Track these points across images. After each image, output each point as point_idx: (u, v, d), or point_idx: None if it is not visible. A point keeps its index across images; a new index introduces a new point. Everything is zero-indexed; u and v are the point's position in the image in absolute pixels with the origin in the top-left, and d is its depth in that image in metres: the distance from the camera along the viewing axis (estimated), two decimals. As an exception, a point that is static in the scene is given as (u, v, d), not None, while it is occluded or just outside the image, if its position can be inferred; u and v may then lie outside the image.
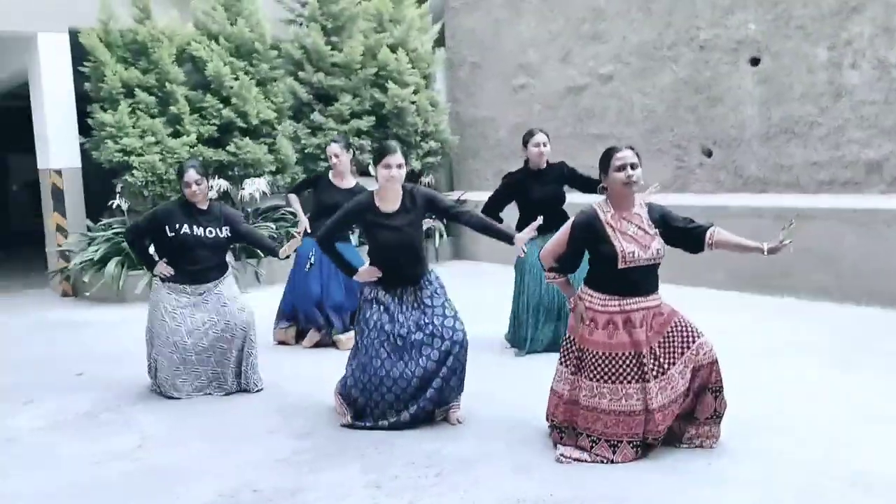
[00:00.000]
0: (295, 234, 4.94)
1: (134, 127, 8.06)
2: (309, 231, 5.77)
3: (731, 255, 7.55)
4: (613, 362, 3.59)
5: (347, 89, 9.33)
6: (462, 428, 4.12)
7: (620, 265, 3.58)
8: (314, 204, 6.07)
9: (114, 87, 8.07)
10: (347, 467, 3.68)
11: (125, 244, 7.85)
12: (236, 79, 8.53)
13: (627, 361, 3.59)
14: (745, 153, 7.88)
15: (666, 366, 3.60)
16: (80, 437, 4.25)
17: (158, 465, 3.82)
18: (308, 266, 5.89)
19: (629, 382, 3.58)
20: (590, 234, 3.66)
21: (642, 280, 3.65)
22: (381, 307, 4.15)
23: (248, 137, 8.61)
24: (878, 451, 3.60)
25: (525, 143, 5.57)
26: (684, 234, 3.75)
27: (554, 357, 5.47)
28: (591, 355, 3.64)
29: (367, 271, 4.22)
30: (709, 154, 8.19)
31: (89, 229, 8.60)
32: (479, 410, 4.32)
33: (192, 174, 4.79)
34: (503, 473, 3.54)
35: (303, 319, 6.05)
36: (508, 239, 4.31)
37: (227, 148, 8.53)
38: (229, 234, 4.94)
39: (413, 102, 9.58)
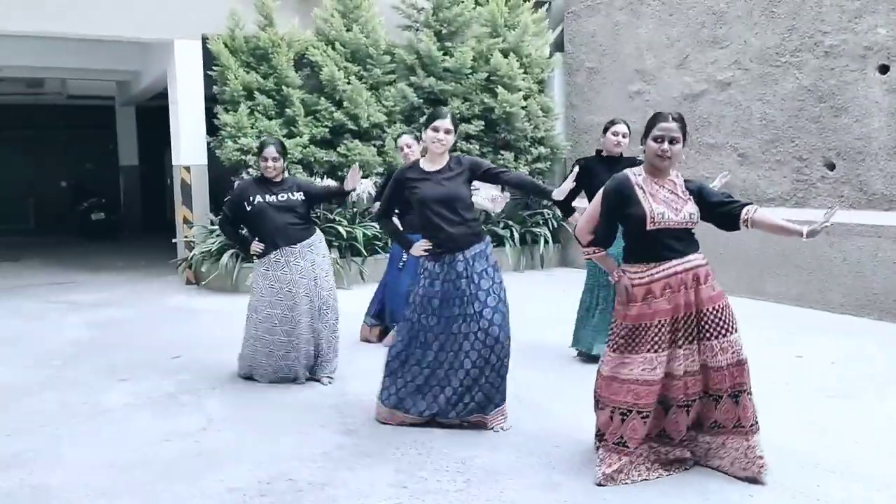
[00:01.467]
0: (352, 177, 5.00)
1: (252, 127, 8.55)
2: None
3: (846, 276, 7.11)
4: (647, 332, 3.47)
5: (458, 94, 9.45)
6: (503, 437, 4.10)
7: (649, 226, 3.46)
8: None
9: (236, 90, 8.59)
10: (381, 466, 3.76)
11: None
12: (349, 83, 8.85)
13: (661, 329, 3.47)
14: (870, 168, 7.30)
15: (700, 336, 3.49)
16: (156, 416, 4.59)
17: (211, 447, 4.06)
18: (401, 264, 6.02)
19: (661, 350, 3.47)
20: (621, 197, 3.55)
21: (676, 243, 3.51)
22: (430, 279, 4.18)
23: (358, 140, 8.91)
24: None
25: (605, 129, 5.48)
26: (720, 210, 3.57)
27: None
28: (628, 328, 3.52)
29: (420, 245, 4.25)
30: (831, 167, 7.64)
31: (212, 223, 9.19)
32: (524, 420, 4.28)
33: (271, 150, 5.05)
34: (530, 489, 3.49)
35: (388, 316, 6.18)
36: (547, 195, 4.23)
37: (338, 149, 8.87)
38: (303, 198, 5.14)
39: (524, 108, 9.55)
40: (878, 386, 4.86)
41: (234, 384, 5.17)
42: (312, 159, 8.68)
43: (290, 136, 8.70)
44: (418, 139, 6.23)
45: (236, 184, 8.65)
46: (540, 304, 7.47)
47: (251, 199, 5.09)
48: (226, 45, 8.73)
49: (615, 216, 3.62)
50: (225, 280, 8.51)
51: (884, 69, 7.16)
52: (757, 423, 3.52)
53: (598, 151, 5.57)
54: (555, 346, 5.71)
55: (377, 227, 8.92)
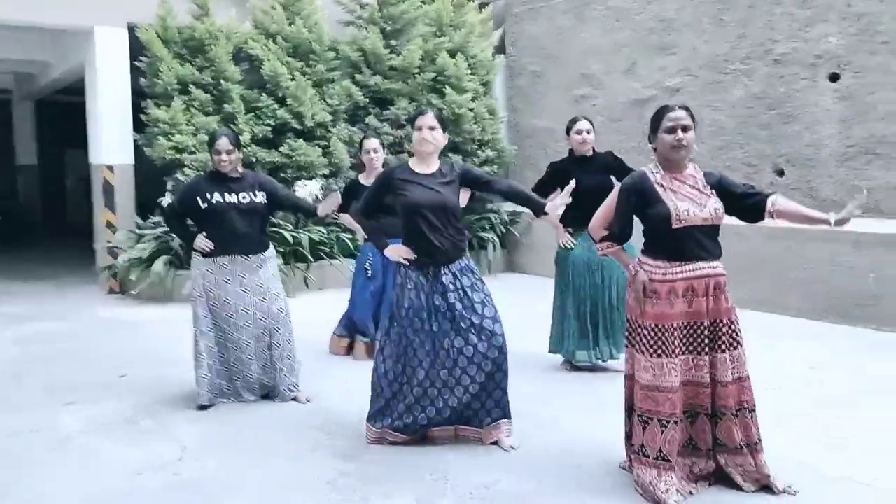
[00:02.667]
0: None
1: (188, 124, 7.96)
2: (366, 238, 5.58)
3: (806, 280, 7.21)
4: (671, 334, 3.29)
5: (404, 93, 9.12)
6: (515, 458, 3.81)
7: (675, 224, 3.28)
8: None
9: (169, 83, 7.98)
10: (399, 496, 3.41)
11: (174, 242, 7.82)
12: (293, 79, 8.38)
13: (683, 331, 3.30)
14: (820, 174, 7.45)
15: (713, 347, 3.34)
16: (121, 444, 4.08)
17: (198, 478, 3.61)
18: (368, 273, 5.66)
19: (685, 354, 3.31)
20: (639, 196, 3.37)
21: (702, 243, 3.34)
22: (415, 291, 3.87)
23: (302, 139, 8.45)
24: None
25: (567, 130, 5.37)
26: (743, 202, 3.43)
27: (608, 374, 5.26)
28: (649, 329, 3.32)
29: (398, 248, 3.91)
30: (781, 173, 7.77)
31: (139, 227, 8.51)
32: (532, 437, 4.01)
33: (224, 142, 4.57)
34: (567, 515, 3.23)
35: (352, 327, 5.82)
36: (539, 207, 3.93)
37: (281, 149, 8.38)
38: (265, 200, 4.70)
39: (471, 109, 9.32)
40: (865, 391, 4.85)
41: (195, 405, 4.68)
42: (254, 159, 8.15)
43: (230, 134, 8.14)
44: (384, 144, 5.91)
45: (169, 184, 8.06)
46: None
47: (207, 195, 4.59)
48: (158, 35, 8.09)
49: (632, 215, 3.45)
50: (157, 289, 7.86)
51: (834, 77, 7.32)
52: (761, 440, 3.39)
53: (571, 152, 5.43)
54: (535, 355, 5.48)
55: (323, 231, 8.49)
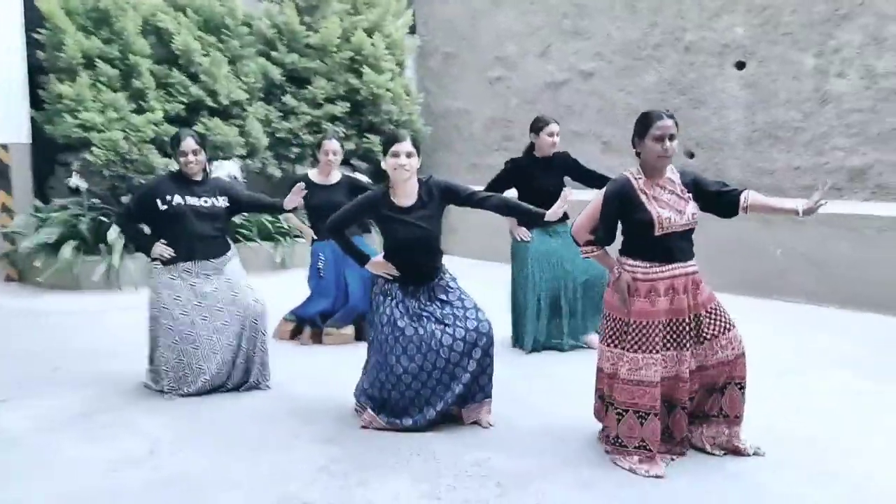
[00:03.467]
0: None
1: (94, 101, 7.48)
2: (316, 238, 5.50)
3: (719, 256, 7.65)
4: (654, 330, 3.45)
5: (321, 72, 8.95)
6: (500, 437, 3.88)
7: (657, 232, 3.45)
8: (306, 209, 5.73)
9: (73, 57, 7.47)
10: (394, 478, 3.41)
11: (83, 226, 7.38)
12: (206, 55, 8.04)
13: (666, 328, 3.48)
14: (727, 157, 7.92)
15: (700, 339, 3.52)
16: (82, 441, 3.84)
17: (180, 473, 3.46)
18: (320, 273, 5.59)
19: (667, 350, 3.48)
20: (624, 202, 3.51)
21: (680, 246, 3.53)
22: (395, 301, 3.89)
23: (217, 118, 8.13)
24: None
25: (537, 130, 5.36)
26: (718, 199, 3.62)
27: (571, 355, 5.42)
28: (633, 325, 3.48)
29: (380, 263, 3.94)
30: (691, 156, 8.20)
31: (38, 210, 7.95)
32: (509, 416, 4.09)
33: (190, 142, 4.42)
34: (568, 489, 3.31)
35: (303, 319, 5.76)
36: (539, 217, 4.06)
37: (196, 127, 8.02)
38: (228, 204, 4.57)
39: (388, 90, 9.26)
40: (808, 359, 5.23)
41: (154, 397, 4.48)
42: (166, 139, 7.76)
43: (140, 111, 7.74)
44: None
45: (76, 164, 7.58)
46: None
47: (168, 197, 4.41)
48: (59, 5, 7.53)
49: (616, 219, 3.57)
50: (65, 276, 7.39)
51: (740, 65, 7.78)
52: (742, 415, 3.61)
53: (530, 150, 5.46)
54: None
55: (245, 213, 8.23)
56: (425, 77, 10.68)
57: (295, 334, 5.73)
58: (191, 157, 4.41)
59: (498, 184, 5.46)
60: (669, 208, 3.47)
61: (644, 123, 3.51)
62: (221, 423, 4.09)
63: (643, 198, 3.47)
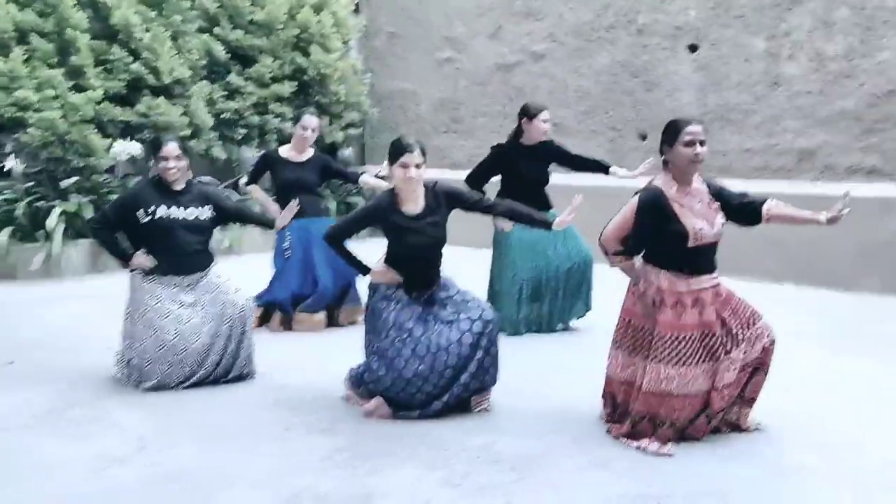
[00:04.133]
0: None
1: (29, 77, 6.99)
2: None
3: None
4: (682, 344, 3.43)
5: (267, 50, 8.63)
6: (501, 421, 3.81)
7: (692, 243, 3.42)
8: (274, 185, 5.55)
9: (5, 30, 6.96)
10: (405, 466, 3.29)
11: (19, 212, 6.92)
12: (147, 30, 7.62)
13: (696, 342, 3.44)
14: (680, 138, 8.03)
15: (730, 346, 3.49)
16: (62, 438, 3.58)
17: (180, 469, 3.25)
18: (286, 253, 5.40)
19: (698, 364, 3.44)
20: (658, 212, 3.46)
21: (708, 257, 3.52)
22: (400, 304, 3.82)
23: (160, 97, 7.73)
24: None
25: (530, 116, 5.21)
26: (741, 209, 3.63)
27: (554, 337, 5.38)
28: (660, 338, 3.45)
29: (383, 272, 3.85)
30: (644, 138, 8.29)
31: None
32: (499, 400, 4.00)
33: (172, 147, 4.18)
34: (586, 469, 3.27)
35: (271, 305, 5.54)
36: (546, 225, 4.00)
37: (137, 107, 7.62)
38: (213, 214, 4.35)
39: (336, 70, 9.01)
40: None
41: (129, 392, 4.21)
42: (107, 119, 7.35)
43: (79, 89, 7.28)
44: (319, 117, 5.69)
45: (9, 145, 7.07)
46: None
47: (150, 208, 4.16)
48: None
49: (650, 230, 3.50)
50: (-1, 265, 6.91)
51: (693, 48, 7.90)
52: (757, 397, 3.64)
53: (516, 137, 5.33)
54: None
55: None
56: (370, 57, 10.46)
57: (263, 322, 5.50)
58: (171, 163, 4.15)
59: (483, 170, 5.37)
60: (702, 219, 3.43)
61: (673, 130, 3.47)
62: (206, 416, 3.87)
63: (676, 208, 3.43)
